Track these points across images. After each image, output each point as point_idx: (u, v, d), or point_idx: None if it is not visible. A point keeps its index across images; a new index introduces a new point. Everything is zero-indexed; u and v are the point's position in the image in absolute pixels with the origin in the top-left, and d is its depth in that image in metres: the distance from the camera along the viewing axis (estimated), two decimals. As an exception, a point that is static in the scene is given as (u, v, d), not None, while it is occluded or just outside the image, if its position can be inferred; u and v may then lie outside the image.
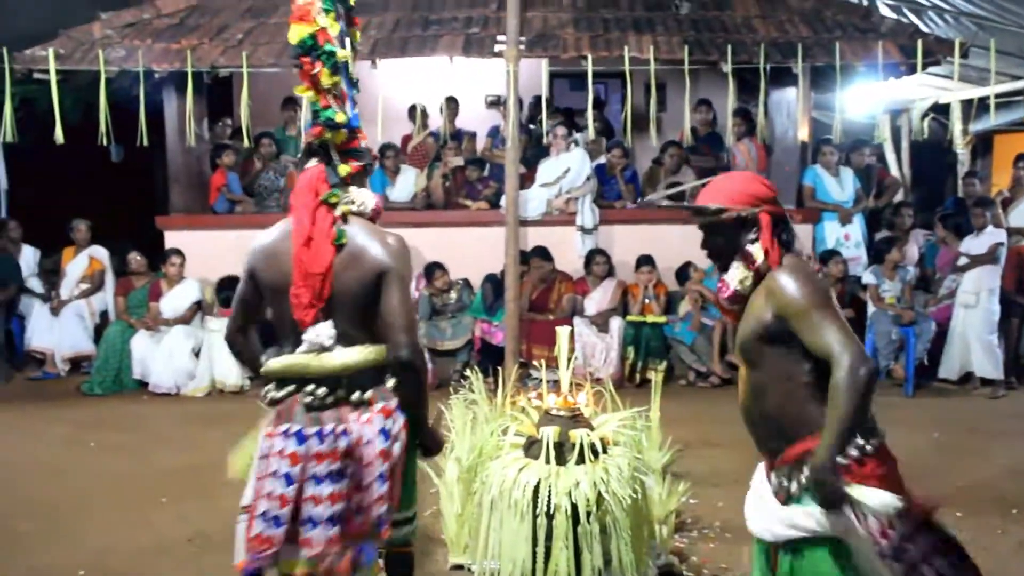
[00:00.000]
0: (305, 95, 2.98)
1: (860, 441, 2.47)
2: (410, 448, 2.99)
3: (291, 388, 2.88)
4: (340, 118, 2.96)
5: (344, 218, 2.91)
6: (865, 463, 2.47)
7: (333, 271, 2.83)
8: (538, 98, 8.77)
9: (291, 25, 2.96)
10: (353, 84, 3.09)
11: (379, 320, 2.93)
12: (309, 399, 2.84)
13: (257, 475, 2.84)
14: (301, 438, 2.79)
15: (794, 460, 2.51)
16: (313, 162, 2.97)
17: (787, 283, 2.47)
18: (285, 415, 2.85)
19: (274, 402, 2.92)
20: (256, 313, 3.10)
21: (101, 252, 9.05)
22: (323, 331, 2.85)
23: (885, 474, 2.52)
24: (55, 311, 8.69)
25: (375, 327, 2.91)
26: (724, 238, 2.62)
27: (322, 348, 2.85)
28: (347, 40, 3.06)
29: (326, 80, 2.96)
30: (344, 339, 2.87)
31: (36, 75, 8.32)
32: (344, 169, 2.97)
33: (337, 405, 2.85)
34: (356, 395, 2.85)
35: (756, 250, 2.56)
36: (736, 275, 2.59)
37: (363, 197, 3.00)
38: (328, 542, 2.74)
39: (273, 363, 2.94)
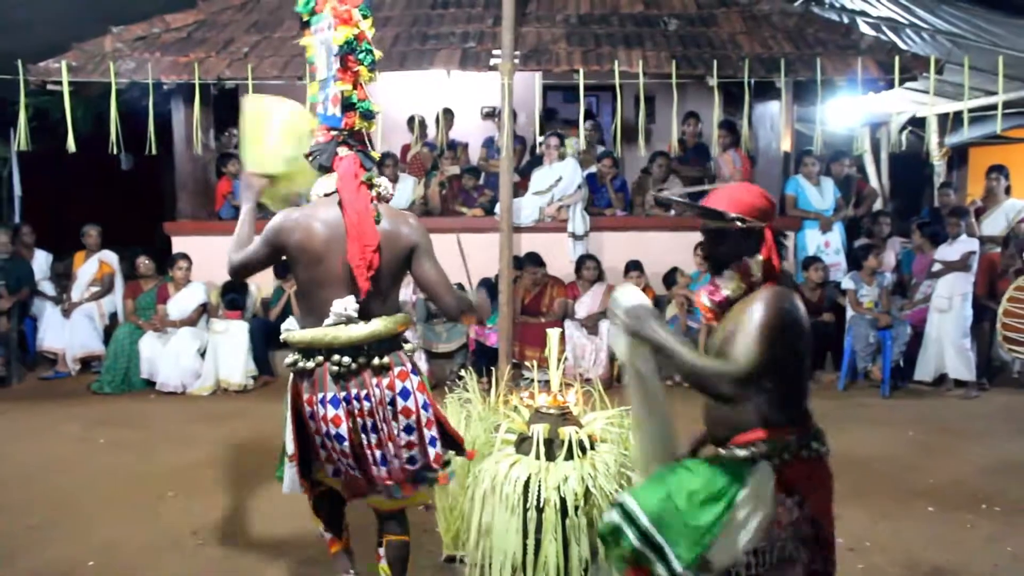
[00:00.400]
0: (342, 88, 3.27)
1: (796, 448, 2.67)
2: None
3: (319, 359, 3.21)
4: (376, 108, 3.35)
5: (378, 198, 3.30)
6: (792, 465, 2.66)
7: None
8: (548, 111, 8.85)
9: (336, 27, 3.27)
10: None
11: (398, 292, 3.42)
12: (336, 368, 3.18)
13: (314, 431, 3.25)
14: (336, 402, 3.20)
15: (740, 445, 2.69)
16: (345, 151, 3.31)
17: (761, 306, 2.62)
18: (319, 384, 3.22)
19: (305, 372, 3.25)
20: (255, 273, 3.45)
21: (111, 256, 9.22)
22: (349, 304, 3.19)
23: (807, 480, 2.70)
24: (66, 313, 8.84)
25: (392, 299, 3.35)
26: (728, 246, 2.75)
27: (348, 320, 3.18)
28: None
29: (366, 76, 3.32)
30: (364, 313, 3.22)
31: (49, 87, 8.44)
32: (376, 155, 3.35)
33: (360, 371, 3.21)
34: (376, 361, 3.21)
35: (755, 264, 2.70)
36: (731, 283, 2.74)
37: (385, 183, 3.38)
38: (388, 476, 3.28)
39: (299, 335, 3.27)
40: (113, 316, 9.11)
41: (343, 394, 3.20)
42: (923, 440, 6.45)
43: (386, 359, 3.23)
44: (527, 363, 7.46)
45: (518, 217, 8.40)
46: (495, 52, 8.11)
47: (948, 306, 7.95)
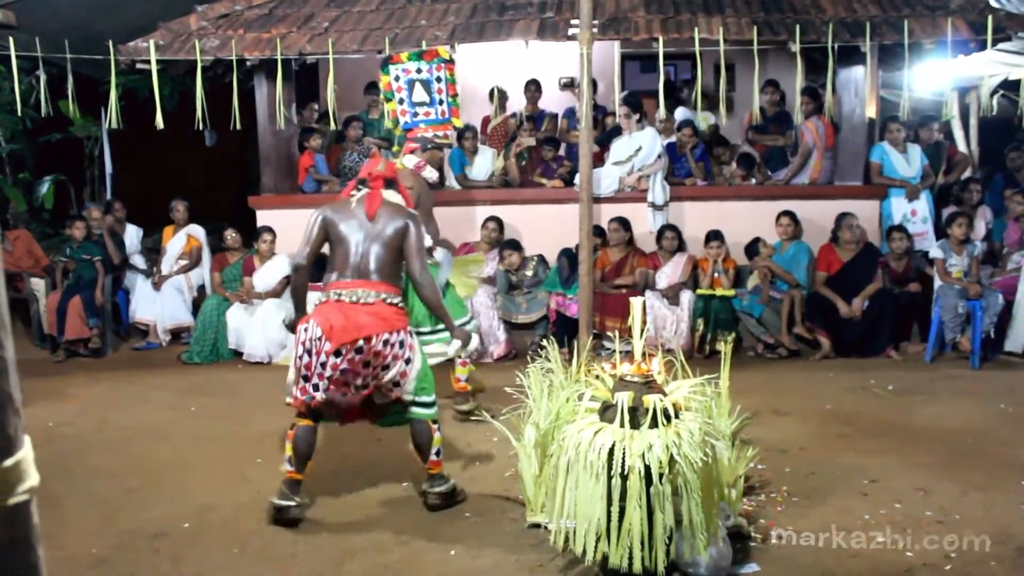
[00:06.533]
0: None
1: None
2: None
3: None
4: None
5: None
6: None
7: None
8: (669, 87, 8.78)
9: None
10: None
11: None
12: None
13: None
14: None
15: None
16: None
17: None
18: None
19: None
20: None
21: (198, 230, 9.45)
22: None
23: None
24: (156, 286, 9.10)
25: None
26: None
27: None
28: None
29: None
30: None
31: (138, 66, 8.54)
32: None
33: None
34: None
35: None
36: None
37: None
38: None
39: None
40: (201, 288, 9.34)
41: None
42: (1015, 413, 6.27)
43: None
44: (608, 333, 7.46)
45: (598, 188, 8.34)
46: (573, 21, 8.02)
47: (1038, 276, 7.67)
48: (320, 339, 4.23)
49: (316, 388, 4.27)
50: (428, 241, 5.75)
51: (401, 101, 5.91)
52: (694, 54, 8.13)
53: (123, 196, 10.34)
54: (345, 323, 4.22)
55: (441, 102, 5.96)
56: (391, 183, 4.59)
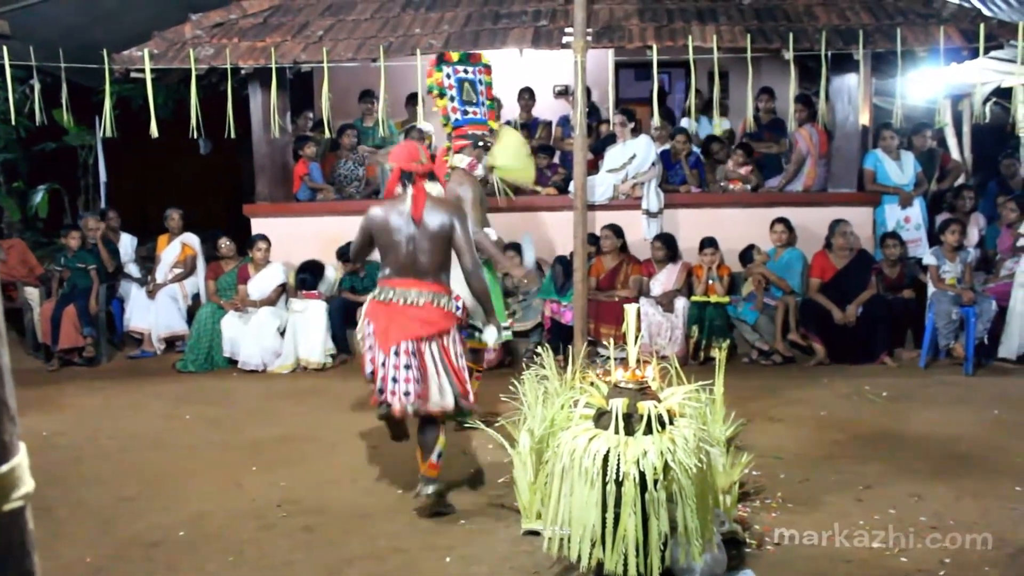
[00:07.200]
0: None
1: None
2: None
3: None
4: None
5: None
6: None
7: None
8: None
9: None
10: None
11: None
12: None
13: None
14: None
15: None
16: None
17: None
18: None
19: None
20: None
21: (193, 239, 9.42)
22: None
23: None
24: (151, 294, 9.06)
25: None
26: None
27: None
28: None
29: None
30: None
31: (132, 74, 8.57)
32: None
33: None
34: None
35: None
36: None
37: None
38: None
39: None
40: (196, 297, 9.31)
41: None
42: (1009, 419, 6.25)
43: None
44: (603, 340, 7.51)
45: (592, 195, 8.36)
46: (567, 30, 8.04)
47: (1031, 282, 7.66)
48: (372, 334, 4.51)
49: (403, 396, 4.46)
50: (494, 235, 6.07)
51: (452, 99, 6.13)
52: (688, 62, 8.16)
53: (117, 205, 10.34)
54: (389, 328, 4.45)
55: (483, 104, 6.21)
56: (432, 176, 4.71)
